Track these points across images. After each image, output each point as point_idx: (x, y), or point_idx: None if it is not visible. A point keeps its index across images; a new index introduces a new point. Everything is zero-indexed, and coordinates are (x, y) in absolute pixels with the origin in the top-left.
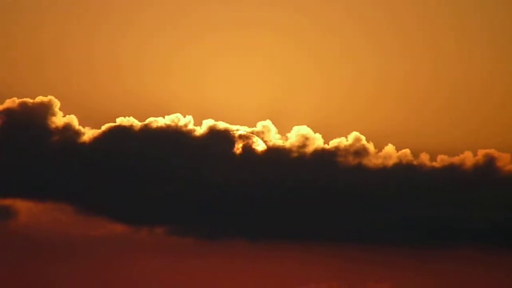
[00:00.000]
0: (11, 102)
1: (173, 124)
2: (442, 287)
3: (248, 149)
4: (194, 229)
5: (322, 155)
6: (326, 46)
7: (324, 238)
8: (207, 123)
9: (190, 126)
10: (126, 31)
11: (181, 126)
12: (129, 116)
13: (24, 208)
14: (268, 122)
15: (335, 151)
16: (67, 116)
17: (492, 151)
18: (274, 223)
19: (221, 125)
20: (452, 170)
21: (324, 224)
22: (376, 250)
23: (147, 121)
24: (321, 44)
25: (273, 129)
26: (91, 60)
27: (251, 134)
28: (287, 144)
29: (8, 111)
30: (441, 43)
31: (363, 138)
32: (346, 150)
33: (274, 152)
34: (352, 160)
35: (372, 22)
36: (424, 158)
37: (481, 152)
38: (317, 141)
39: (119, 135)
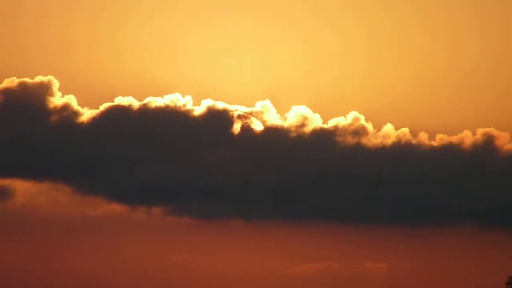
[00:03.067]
0: (10, 82)
1: (172, 104)
2: (440, 266)
3: (246, 129)
4: (191, 209)
5: (320, 134)
6: (324, 27)
7: (322, 218)
8: (206, 103)
9: (189, 106)
10: (126, 12)
11: (180, 106)
12: (128, 96)
13: (22, 188)
14: (267, 102)
15: (334, 131)
16: (66, 96)
17: (491, 130)
18: (272, 203)
19: (220, 105)
20: (451, 149)
21: (323, 204)
22: (374, 229)
23: (145, 101)
24: (320, 25)
25: (272, 109)
26: (91, 41)
27: (249, 114)
28: (286, 123)
29: (7, 91)
30: (438, 23)
31: (362, 117)
32: (345, 130)
33: (272, 132)
34: (351, 140)
35: (370, 2)
36: (423, 137)
37: (480, 131)
38: (316, 121)
39: (118, 115)
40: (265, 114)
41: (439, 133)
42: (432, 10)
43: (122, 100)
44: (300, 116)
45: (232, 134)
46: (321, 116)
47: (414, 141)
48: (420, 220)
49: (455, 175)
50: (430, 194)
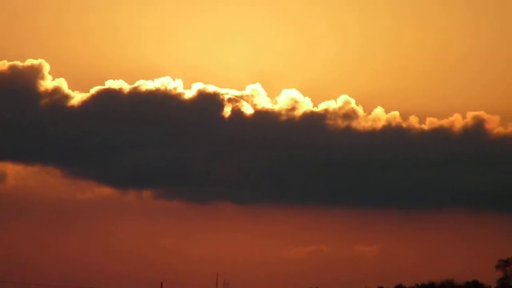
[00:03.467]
0: (1, 65)
1: (162, 87)
2: (431, 249)
3: (237, 113)
4: (181, 192)
5: (311, 118)
6: (315, 11)
7: (312, 201)
8: (197, 87)
9: (180, 90)
10: None
11: (170, 90)
12: (118, 79)
13: (13, 171)
14: (257, 86)
15: (324, 114)
16: (57, 79)
17: (481, 113)
18: (263, 187)
19: (211, 88)
20: (441, 133)
21: (313, 188)
22: (364, 213)
23: (136, 84)
24: (311, 9)
25: (263, 92)
26: (82, 25)
27: (240, 98)
28: (276, 107)
29: None
30: (430, 8)
31: (352, 101)
32: (335, 113)
33: (263, 115)
34: (341, 123)
35: None
36: (413, 120)
37: (470, 114)
38: (306, 104)
39: (108, 98)
40: (255, 98)
41: (430, 116)
42: None
43: (112, 84)
44: (291, 99)
45: (222, 117)
46: (312, 100)
47: (404, 125)
48: (411, 203)
49: (445, 158)
50: (420, 177)
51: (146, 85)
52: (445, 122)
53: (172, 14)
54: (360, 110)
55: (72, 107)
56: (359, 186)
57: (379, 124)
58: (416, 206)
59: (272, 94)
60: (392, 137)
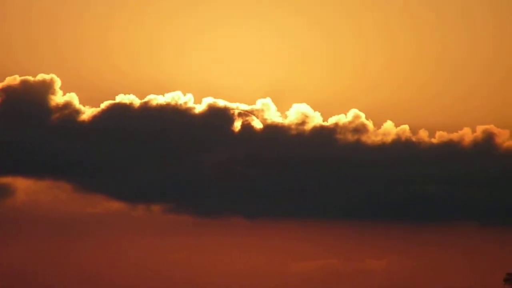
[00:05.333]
0: (12, 80)
1: (173, 101)
2: (439, 263)
3: (247, 127)
4: (191, 206)
5: (321, 132)
6: (326, 25)
7: (322, 215)
8: (207, 101)
9: (190, 104)
10: (129, 12)
11: (181, 104)
12: (129, 94)
13: (23, 186)
14: (267, 100)
15: (334, 128)
16: (68, 94)
17: (491, 127)
18: (272, 201)
19: (221, 103)
20: (450, 146)
21: (323, 201)
22: (374, 227)
23: (147, 99)
24: (322, 23)
25: (273, 106)
26: (93, 40)
27: (250, 112)
28: (286, 121)
29: (9, 89)
30: (444, 22)
31: (362, 115)
32: (345, 127)
33: (273, 130)
34: (351, 137)
35: (374, 1)
36: (423, 134)
37: (480, 128)
38: (316, 119)
39: (119, 113)
40: (265, 112)
41: (439, 130)
42: (443, 12)
43: (123, 98)
44: (301, 114)
45: (232, 132)
46: (322, 114)
47: (414, 138)
48: (420, 217)
49: (454, 172)
50: (430, 191)
51: (157, 99)
52: (454, 135)
53: (183, 29)
54: (370, 124)
55: (83, 121)
56: (369, 200)
57: (389, 138)
58: (425, 220)
59: (282, 108)
60: (402, 151)
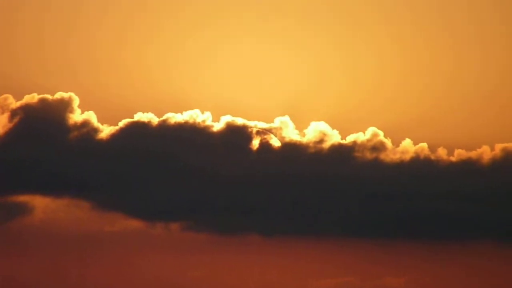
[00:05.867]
0: (31, 98)
1: (191, 120)
2: (458, 282)
3: (265, 145)
4: (209, 224)
5: (339, 150)
6: (343, 41)
7: (340, 233)
8: (225, 119)
9: (208, 122)
10: (147, 29)
11: (199, 122)
12: (147, 112)
13: (42, 204)
14: (286, 118)
15: (353, 146)
16: (86, 112)
17: (510, 145)
18: (290, 219)
19: (239, 121)
20: (469, 165)
21: (341, 219)
22: (392, 245)
23: (165, 117)
24: (339, 39)
25: (291, 124)
26: (112, 57)
27: (268, 131)
28: (305, 139)
29: (27, 107)
30: (460, 37)
31: (380, 133)
32: (363, 146)
33: (291, 148)
34: (369, 156)
35: (391, 16)
36: (442, 152)
37: (498, 146)
38: (334, 137)
39: (137, 131)
40: (284, 130)
41: (458, 148)
42: (458, 27)
43: (141, 116)
44: (319, 132)
45: (250, 150)
46: (340, 132)
47: (432, 157)
48: (439, 235)
49: (473, 191)
50: (449, 209)
51: (175, 117)
52: (473, 154)
53: (200, 45)
54: (388, 142)
55: (101, 140)
56: (387, 218)
57: (407, 156)
58: (444, 238)
59: (301, 126)
60: (421, 169)
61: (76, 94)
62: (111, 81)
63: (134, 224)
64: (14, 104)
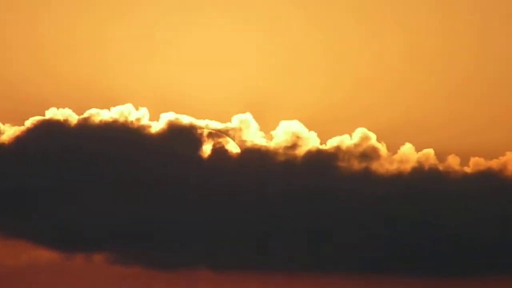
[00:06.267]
0: None
1: (121, 118)
2: None
3: (219, 151)
4: (143, 256)
5: (317, 158)
6: (327, 22)
7: (316, 268)
8: (166, 117)
9: (144, 121)
10: (62, 9)
11: (131, 121)
12: (63, 108)
13: None
14: (247, 116)
15: (335, 153)
16: None
17: None
18: (249, 250)
19: (185, 119)
20: (489, 177)
21: (317, 250)
22: (390, 282)
23: (86, 114)
24: (321, 19)
25: (254, 124)
26: (19, 36)
27: (223, 132)
28: (272, 144)
29: None
30: (482, 21)
31: (372, 136)
32: (350, 152)
33: (253, 155)
34: (357, 165)
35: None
36: (453, 161)
37: None
38: (311, 141)
39: (49, 132)
40: (244, 132)
41: (474, 156)
42: (469, 15)
43: (55, 114)
44: (291, 134)
45: (200, 158)
46: (318, 135)
47: (441, 167)
48: (451, 269)
49: (494, 210)
50: (463, 236)
51: (100, 115)
52: (494, 163)
53: (136, 25)
54: (382, 148)
55: (2, 144)
56: (380, 248)
57: (408, 166)
58: (458, 271)
59: (267, 127)
60: (425, 183)
61: None
62: (15, 71)
63: (46, 255)
64: None
